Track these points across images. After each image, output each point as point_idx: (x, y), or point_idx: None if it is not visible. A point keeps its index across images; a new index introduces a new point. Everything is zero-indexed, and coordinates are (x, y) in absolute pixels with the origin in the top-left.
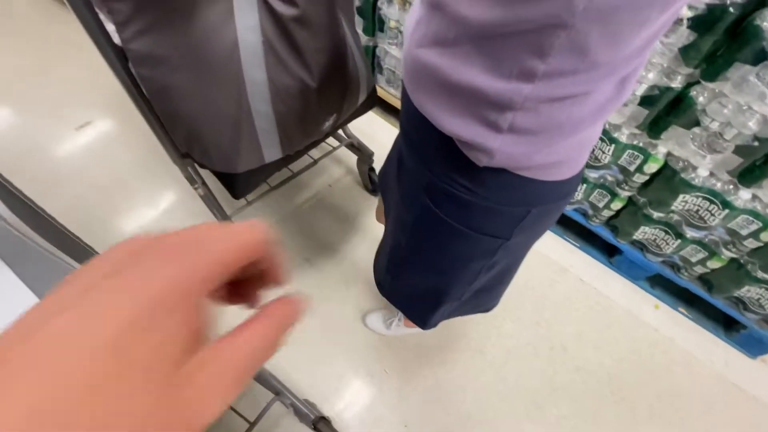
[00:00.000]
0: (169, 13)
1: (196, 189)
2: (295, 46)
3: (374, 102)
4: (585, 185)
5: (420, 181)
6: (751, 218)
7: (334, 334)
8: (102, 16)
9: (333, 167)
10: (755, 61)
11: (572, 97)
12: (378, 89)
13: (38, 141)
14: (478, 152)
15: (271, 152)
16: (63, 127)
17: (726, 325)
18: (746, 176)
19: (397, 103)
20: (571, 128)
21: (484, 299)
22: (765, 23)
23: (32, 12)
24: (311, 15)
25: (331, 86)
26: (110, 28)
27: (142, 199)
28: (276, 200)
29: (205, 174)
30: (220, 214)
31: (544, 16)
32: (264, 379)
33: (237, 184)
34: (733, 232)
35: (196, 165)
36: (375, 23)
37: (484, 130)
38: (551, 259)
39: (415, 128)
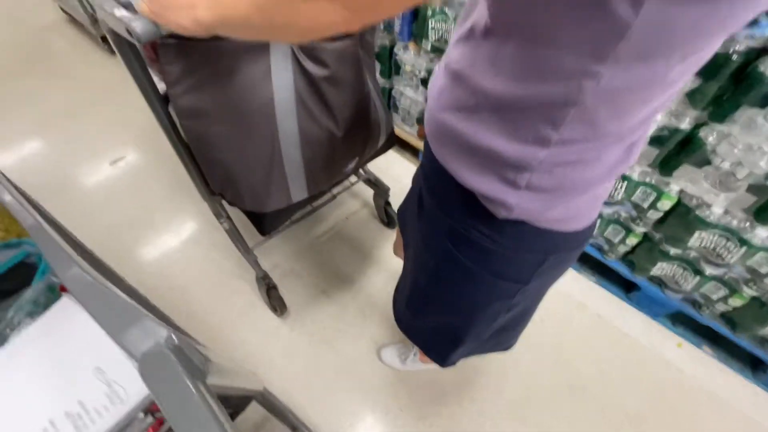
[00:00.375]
0: (214, 73)
1: (221, 223)
2: (324, 101)
3: (392, 143)
4: (599, 220)
5: (441, 225)
6: None
7: (349, 368)
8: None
9: (350, 201)
10: (762, 104)
11: (584, 161)
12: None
13: (75, 174)
14: (498, 206)
15: (298, 193)
16: (98, 162)
17: (753, 364)
18: (761, 214)
19: (412, 140)
20: (584, 187)
21: (503, 339)
22: (767, 70)
23: (74, 55)
24: (340, 75)
25: (354, 134)
26: (155, 77)
27: (168, 230)
28: (295, 233)
29: (229, 207)
30: (243, 247)
31: (555, 95)
32: (280, 413)
33: (265, 221)
34: (752, 270)
35: (224, 201)
36: (392, 67)
37: (503, 186)
38: (569, 295)
39: (437, 178)
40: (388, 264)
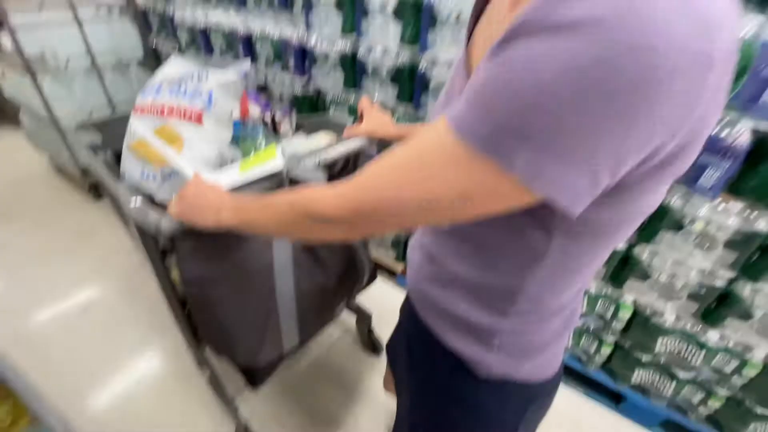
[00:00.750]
0: (221, 248)
1: (203, 372)
2: (318, 260)
3: (374, 278)
4: (572, 332)
5: (434, 379)
6: (728, 356)
7: None
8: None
9: (332, 329)
10: (675, 228)
11: (539, 327)
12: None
13: (42, 321)
14: (478, 365)
15: (290, 341)
16: (68, 307)
17: None
18: (707, 318)
19: (388, 263)
20: (544, 346)
21: None
22: (671, 202)
23: (57, 201)
24: None
25: (344, 282)
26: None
27: (139, 377)
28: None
29: (210, 354)
30: (223, 397)
31: (507, 282)
32: None
33: (257, 374)
34: (717, 371)
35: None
36: None
37: (480, 348)
38: (561, 413)
39: (424, 335)
40: (375, 397)
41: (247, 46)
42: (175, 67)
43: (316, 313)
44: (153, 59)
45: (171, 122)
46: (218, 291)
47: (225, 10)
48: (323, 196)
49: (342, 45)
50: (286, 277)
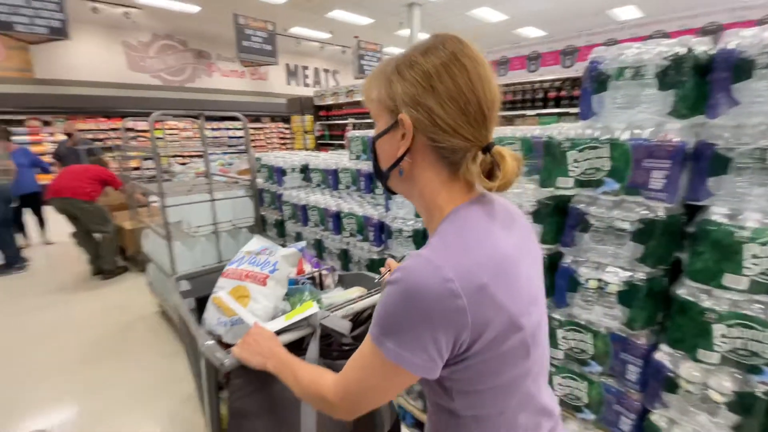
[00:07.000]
0: (264, 383)
1: None
2: None
3: (397, 429)
4: None
5: None
6: None
7: None
8: None
9: None
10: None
11: None
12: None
13: None
14: None
15: None
16: None
17: None
18: None
19: (417, 414)
20: None
21: None
22: None
23: (155, 341)
24: None
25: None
26: None
27: None
28: None
29: None
30: None
31: None
32: None
33: None
34: None
35: None
36: None
37: None
38: None
39: None
40: None
41: (336, 220)
42: (256, 244)
43: None
44: (260, 225)
45: (244, 284)
46: (255, 424)
47: (322, 193)
48: (326, 382)
49: (414, 224)
50: (310, 415)
